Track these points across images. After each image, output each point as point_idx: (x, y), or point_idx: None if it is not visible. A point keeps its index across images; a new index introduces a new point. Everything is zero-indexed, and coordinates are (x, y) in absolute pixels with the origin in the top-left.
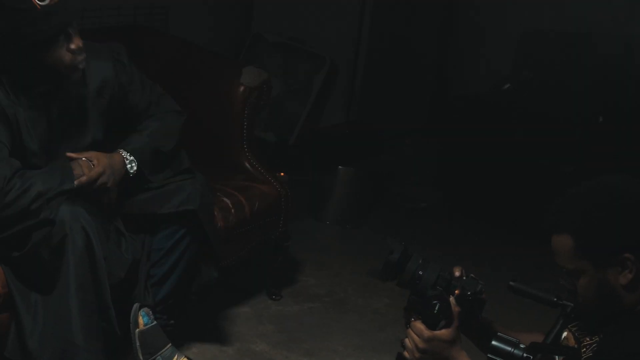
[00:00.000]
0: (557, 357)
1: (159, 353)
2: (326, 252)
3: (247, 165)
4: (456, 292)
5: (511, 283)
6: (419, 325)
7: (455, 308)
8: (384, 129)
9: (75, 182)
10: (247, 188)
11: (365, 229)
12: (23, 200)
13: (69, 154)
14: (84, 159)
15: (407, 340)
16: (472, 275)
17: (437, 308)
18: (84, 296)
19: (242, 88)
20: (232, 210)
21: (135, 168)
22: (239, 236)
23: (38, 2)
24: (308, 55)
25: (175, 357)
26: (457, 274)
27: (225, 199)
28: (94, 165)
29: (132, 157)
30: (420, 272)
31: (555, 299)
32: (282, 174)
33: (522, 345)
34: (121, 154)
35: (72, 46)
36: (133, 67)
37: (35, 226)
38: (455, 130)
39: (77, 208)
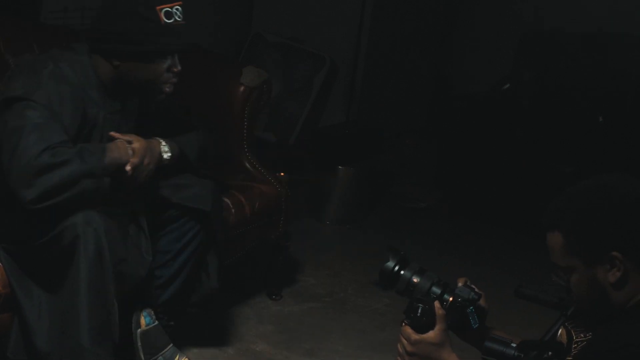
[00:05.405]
0: None
1: (161, 353)
2: (326, 252)
3: (247, 165)
4: (450, 299)
5: (519, 289)
6: (407, 329)
7: (440, 311)
8: (384, 129)
9: (127, 168)
10: (247, 188)
11: (365, 229)
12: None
13: (113, 134)
14: (122, 139)
15: (398, 345)
16: (473, 286)
17: (419, 311)
18: (94, 299)
19: (242, 88)
20: (232, 210)
21: (169, 155)
22: (239, 236)
23: (164, 18)
24: (308, 55)
25: (177, 357)
26: (459, 284)
27: (225, 199)
28: (133, 148)
29: (166, 145)
30: (415, 280)
31: (558, 301)
32: (282, 174)
33: (513, 344)
34: (158, 140)
35: (175, 69)
36: None
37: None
38: (455, 130)
39: (89, 211)
